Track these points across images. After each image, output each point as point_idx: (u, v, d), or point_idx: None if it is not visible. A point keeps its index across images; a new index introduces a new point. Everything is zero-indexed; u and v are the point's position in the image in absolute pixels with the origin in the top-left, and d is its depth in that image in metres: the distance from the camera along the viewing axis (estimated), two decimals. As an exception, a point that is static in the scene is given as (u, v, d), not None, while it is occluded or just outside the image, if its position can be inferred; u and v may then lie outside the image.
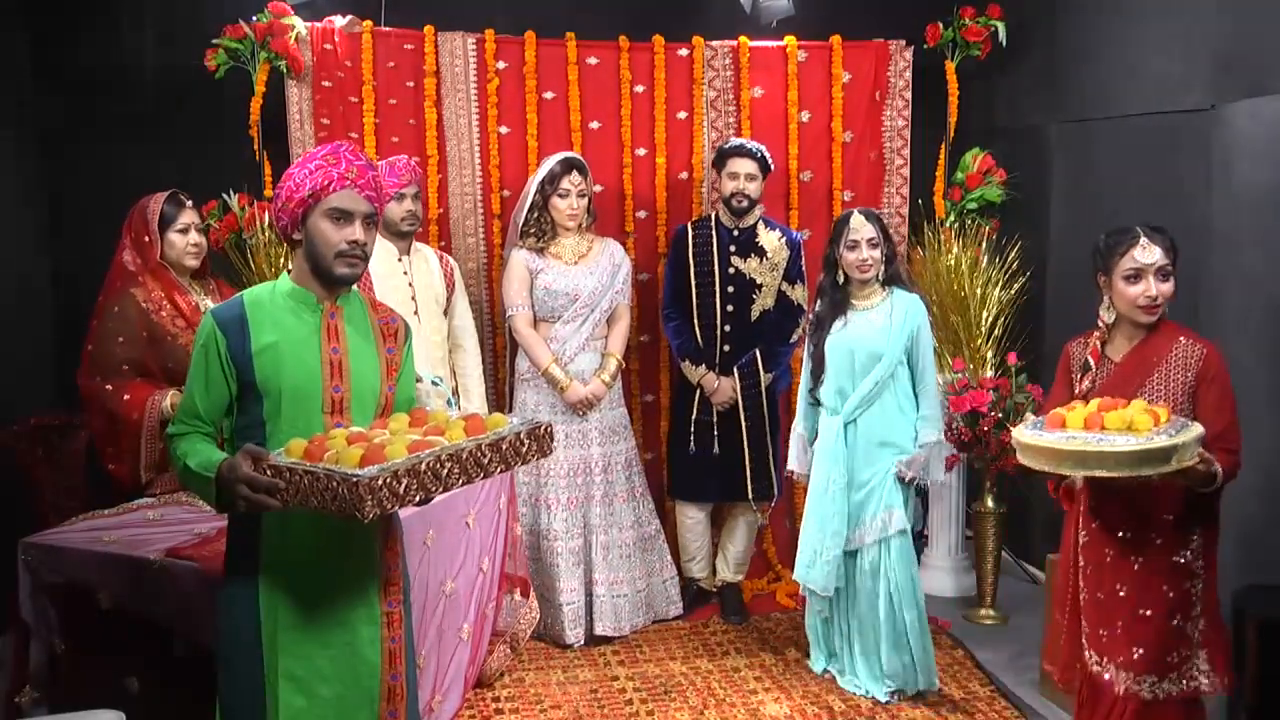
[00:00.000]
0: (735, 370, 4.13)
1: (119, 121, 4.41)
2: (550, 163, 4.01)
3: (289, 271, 2.29)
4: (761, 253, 4.15)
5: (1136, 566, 2.62)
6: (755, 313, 4.17)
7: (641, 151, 4.52)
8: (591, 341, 4.07)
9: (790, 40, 4.54)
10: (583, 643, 4.05)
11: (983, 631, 4.21)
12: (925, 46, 4.59)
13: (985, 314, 4.40)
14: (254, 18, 4.12)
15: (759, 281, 4.15)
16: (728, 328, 4.16)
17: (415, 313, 3.77)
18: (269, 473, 1.99)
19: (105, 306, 3.33)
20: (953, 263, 4.45)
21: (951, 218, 4.55)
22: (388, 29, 4.33)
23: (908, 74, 4.62)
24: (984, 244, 4.49)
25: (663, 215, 4.54)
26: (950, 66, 4.58)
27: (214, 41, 4.10)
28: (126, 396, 3.26)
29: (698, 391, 4.18)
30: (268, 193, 4.11)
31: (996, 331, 4.42)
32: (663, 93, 4.49)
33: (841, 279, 3.65)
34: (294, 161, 2.77)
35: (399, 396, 2.34)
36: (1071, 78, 4.42)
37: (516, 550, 3.78)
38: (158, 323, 3.31)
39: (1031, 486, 4.38)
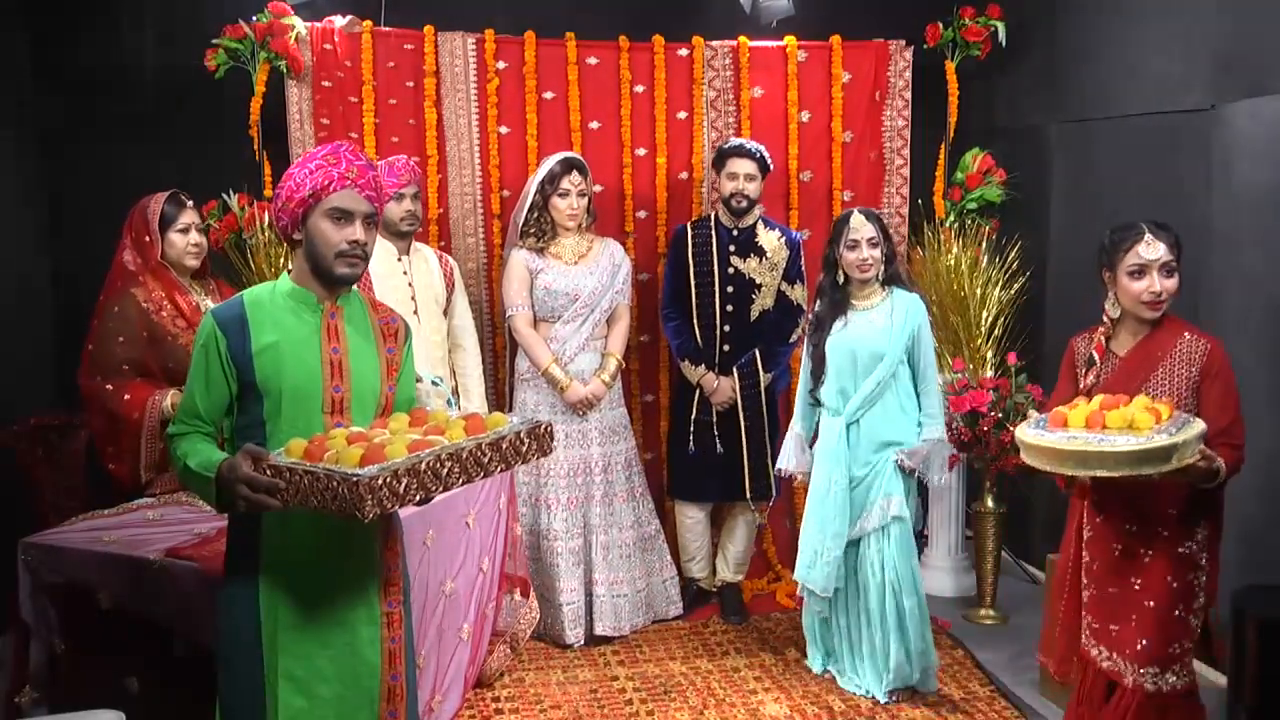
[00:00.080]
0: (735, 370, 4.13)
1: (119, 121, 4.42)
2: (550, 163, 4.01)
3: (289, 271, 2.29)
4: (761, 253, 4.15)
5: (1147, 559, 2.63)
6: (755, 313, 4.17)
7: (641, 151, 4.52)
8: (591, 341, 4.07)
9: (790, 40, 4.54)
10: (583, 643, 4.05)
11: (983, 631, 4.21)
12: (925, 46, 4.59)
13: (985, 314, 4.40)
14: (254, 18, 4.12)
15: (758, 281, 4.15)
16: (727, 328, 4.16)
17: (415, 313, 3.77)
18: (269, 473, 1.99)
19: (105, 306, 3.33)
20: (953, 263, 4.45)
21: (951, 218, 4.55)
22: (387, 29, 4.33)
23: (908, 74, 4.62)
24: (984, 244, 4.49)
25: (663, 215, 4.54)
26: (950, 66, 4.58)
27: (214, 41, 4.10)
28: (127, 396, 3.26)
29: (697, 391, 4.18)
30: (268, 193, 4.11)
31: (996, 331, 4.42)
32: (663, 93, 4.49)
33: (841, 279, 3.64)
34: (294, 161, 2.77)
35: (399, 396, 2.34)
36: (1071, 78, 4.42)
37: (516, 550, 3.78)
38: (158, 323, 3.31)
39: (1032, 486, 4.39)
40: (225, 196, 4.12)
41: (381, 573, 2.27)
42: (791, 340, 4.18)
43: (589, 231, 4.14)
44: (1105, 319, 2.75)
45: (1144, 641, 2.60)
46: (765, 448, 4.16)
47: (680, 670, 3.87)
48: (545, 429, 2.23)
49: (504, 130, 4.42)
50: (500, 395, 4.43)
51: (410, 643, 2.37)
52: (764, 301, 4.17)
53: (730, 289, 4.15)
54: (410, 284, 3.82)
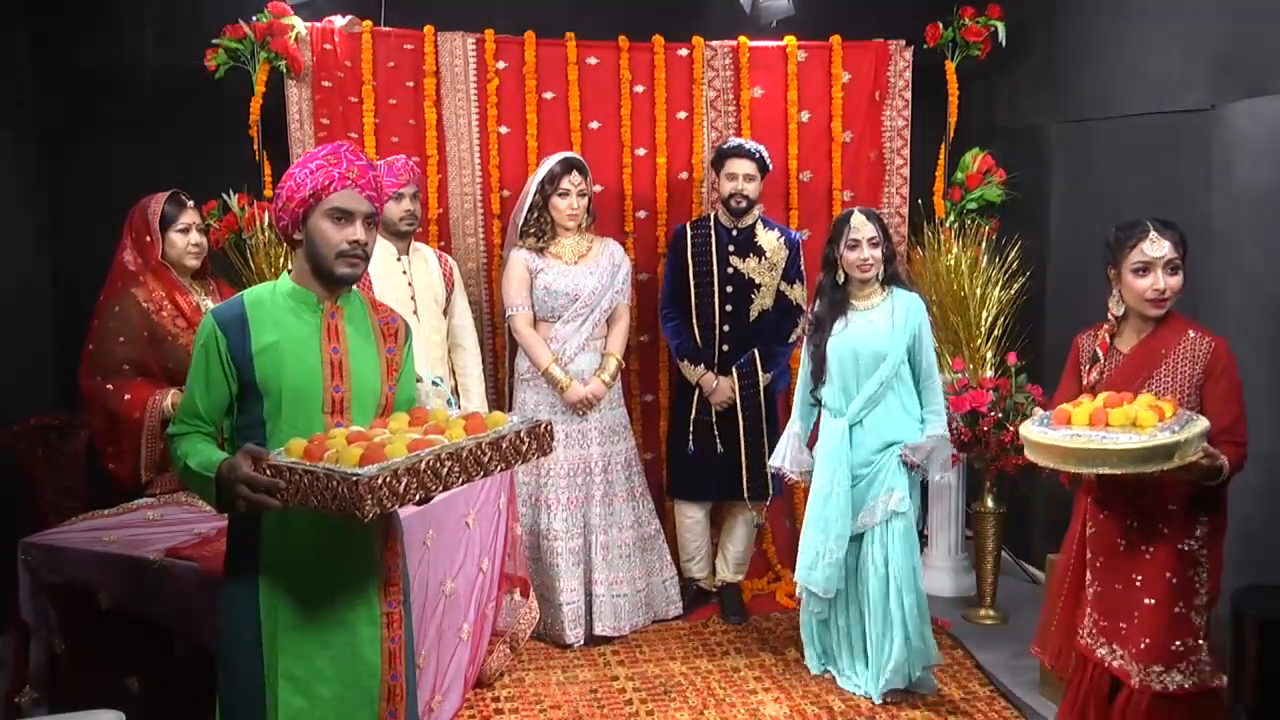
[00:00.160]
0: (734, 370, 4.13)
1: (119, 121, 4.42)
2: (550, 163, 4.01)
3: (289, 271, 2.29)
4: (760, 252, 4.15)
5: (1148, 555, 2.63)
6: (754, 313, 4.17)
7: (641, 151, 4.52)
8: (591, 341, 4.07)
9: (790, 40, 4.54)
10: (582, 643, 4.05)
11: (982, 631, 4.21)
12: (925, 46, 4.59)
13: (985, 314, 4.41)
14: (254, 18, 4.12)
15: (758, 281, 4.15)
16: (726, 327, 4.16)
17: (414, 312, 3.77)
18: (269, 472, 1.99)
19: (106, 306, 3.33)
20: (953, 263, 4.45)
21: (951, 218, 4.55)
22: (387, 29, 4.33)
23: (907, 74, 4.62)
24: (984, 244, 4.49)
25: (663, 215, 4.54)
26: (950, 66, 4.58)
27: (214, 41, 4.10)
28: (127, 396, 3.26)
29: (697, 391, 4.18)
30: (268, 193, 4.12)
31: (996, 331, 4.42)
32: (663, 93, 4.49)
33: (841, 279, 3.64)
34: (294, 161, 2.77)
35: (399, 396, 2.34)
36: (1071, 78, 4.42)
37: (516, 550, 3.78)
38: (158, 322, 3.31)
39: (1031, 486, 4.39)
40: (225, 196, 4.12)
41: (381, 573, 2.27)
42: (791, 340, 4.18)
43: (589, 231, 4.14)
44: (1110, 316, 2.76)
45: (1146, 640, 2.60)
46: (764, 447, 4.15)
47: (680, 670, 3.87)
48: (545, 428, 2.23)
49: (504, 130, 4.42)
50: (500, 395, 4.43)
51: (410, 643, 2.37)
52: (763, 301, 4.17)
53: (729, 289, 4.15)
54: (410, 284, 3.82)
